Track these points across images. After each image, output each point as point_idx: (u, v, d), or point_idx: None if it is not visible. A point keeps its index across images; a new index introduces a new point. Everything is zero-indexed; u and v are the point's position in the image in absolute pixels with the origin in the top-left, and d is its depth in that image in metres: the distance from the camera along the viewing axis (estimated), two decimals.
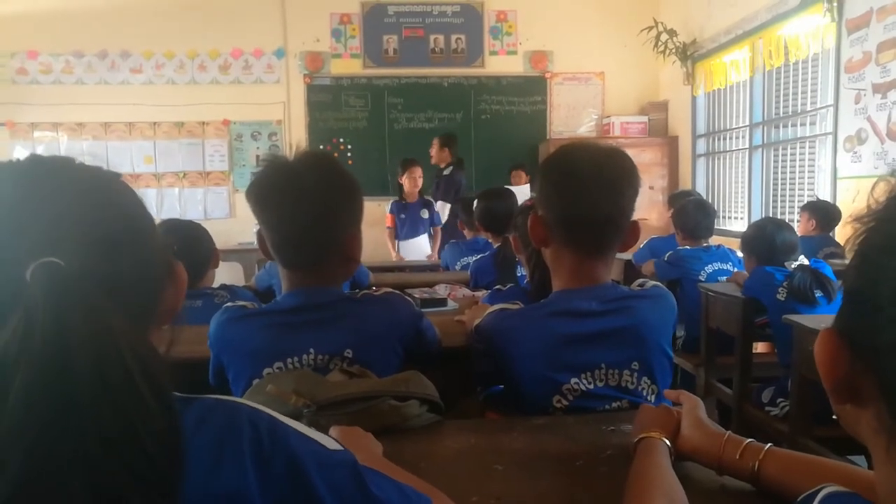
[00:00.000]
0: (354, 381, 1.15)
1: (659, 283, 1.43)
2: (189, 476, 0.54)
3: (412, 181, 5.22)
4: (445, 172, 5.52)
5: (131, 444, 0.50)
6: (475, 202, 3.44)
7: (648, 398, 1.29)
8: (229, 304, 1.38)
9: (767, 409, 2.60)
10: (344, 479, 0.66)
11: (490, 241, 3.40)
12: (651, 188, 6.46)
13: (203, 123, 6.72)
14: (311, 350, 1.27)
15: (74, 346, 0.49)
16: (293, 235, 1.28)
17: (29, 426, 0.47)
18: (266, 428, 0.63)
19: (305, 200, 1.25)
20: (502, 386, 1.50)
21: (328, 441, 0.68)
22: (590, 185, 1.26)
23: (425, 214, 5.28)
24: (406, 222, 5.27)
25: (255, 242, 1.39)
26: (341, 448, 0.68)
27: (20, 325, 0.50)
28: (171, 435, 0.53)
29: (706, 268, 3.42)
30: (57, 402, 0.48)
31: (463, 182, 5.53)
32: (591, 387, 1.26)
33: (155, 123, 6.66)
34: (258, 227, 1.35)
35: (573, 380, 1.26)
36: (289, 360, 1.26)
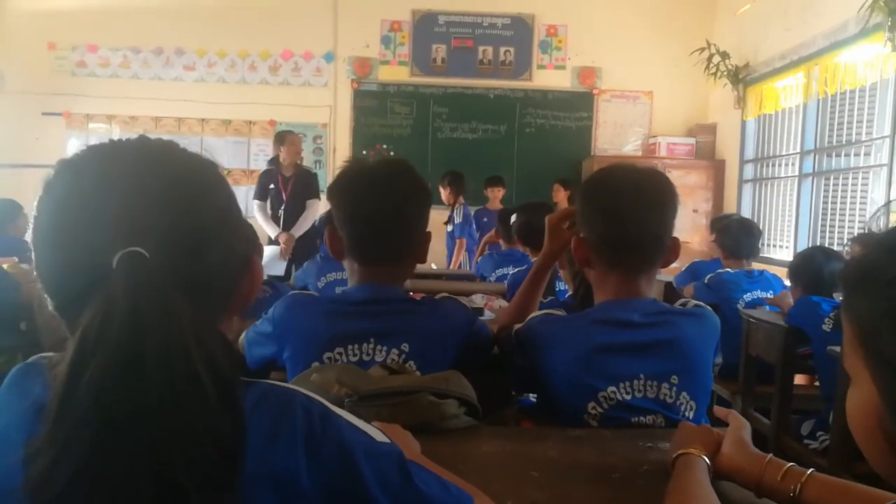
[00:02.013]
0: (395, 376, 1.16)
1: (702, 303, 1.42)
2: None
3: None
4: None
5: (193, 440, 0.51)
6: (513, 215, 3.44)
7: (686, 414, 1.27)
8: (295, 291, 1.49)
9: (806, 442, 2.52)
10: (390, 470, 0.66)
11: (528, 254, 3.39)
12: (695, 211, 6.36)
13: (250, 123, 6.83)
14: (371, 339, 1.31)
15: (146, 341, 0.51)
16: (374, 231, 1.35)
17: (97, 412, 0.49)
18: (318, 414, 0.64)
19: (389, 199, 1.34)
20: (535, 397, 1.50)
21: (376, 433, 0.69)
22: (631, 205, 1.28)
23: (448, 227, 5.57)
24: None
25: (323, 240, 1.47)
26: (388, 441, 0.69)
27: (99, 313, 0.52)
28: (233, 432, 0.54)
29: (745, 295, 3.33)
30: (125, 393, 0.50)
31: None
32: (629, 397, 1.25)
33: (203, 120, 6.80)
34: (326, 224, 1.41)
35: (610, 388, 1.25)
36: (350, 346, 1.31)
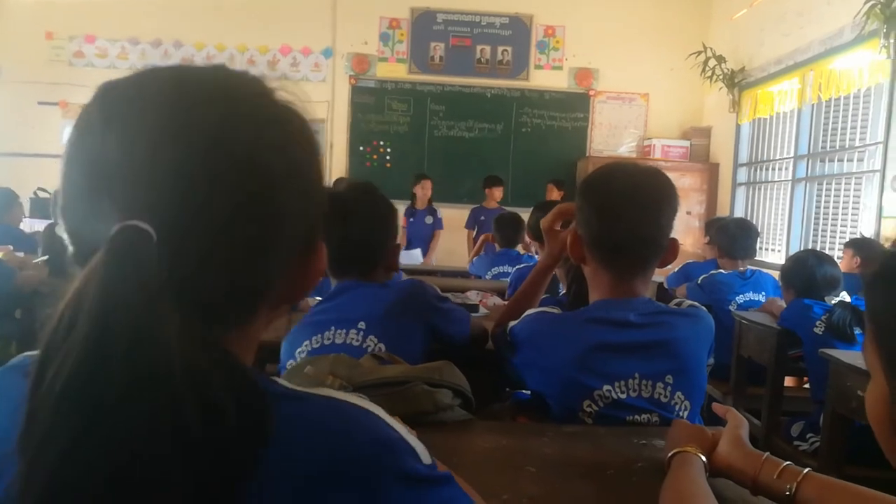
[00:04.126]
0: (388, 366, 1.17)
1: (696, 304, 1.43)
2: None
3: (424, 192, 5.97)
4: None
5: (165, 482, 0.41)
6: (531, 213, 3.48)
7: (680, 414, 1.28)
8: None
9: (796, 443, 2.55)
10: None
11: (533, 253, 3.46)
12: (688, 213, 6.39)
13: None
14: (332, 326, 1.47)
15: (117, 342, 0.41)
16: (343, 253, 1.50)
17: (57, 426, 0.41)
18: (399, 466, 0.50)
19: (355, 224, 1.50)
20: (529, 392, 1.52)
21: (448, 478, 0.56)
22: (628, 207, 1.28)
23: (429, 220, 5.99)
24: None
25: None
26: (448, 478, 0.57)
27: (70, 305, 0.42)
28: (223, 478, 0.43)
29: (738, 297, 3.36)
30: (86, 407, 0.40)
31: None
32: (624, 396, 1.26)
33: None
34: None
35: (605, 387, 1.26)
36: (313, 336, 1.48)
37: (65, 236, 0.50)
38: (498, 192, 5.98)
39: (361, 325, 1.47)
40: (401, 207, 5.88)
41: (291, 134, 0.53)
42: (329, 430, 0.49)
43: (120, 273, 0.42)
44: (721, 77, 6.12)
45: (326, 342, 1.46)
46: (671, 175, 1.43)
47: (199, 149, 0.47)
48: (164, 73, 0.52)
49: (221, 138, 0.48)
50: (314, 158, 0.56)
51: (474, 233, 5.82)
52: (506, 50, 6.90)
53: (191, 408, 0.42)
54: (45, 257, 2.88)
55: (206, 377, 0.43)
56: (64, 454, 0.40)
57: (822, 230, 5.01)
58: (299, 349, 1.47)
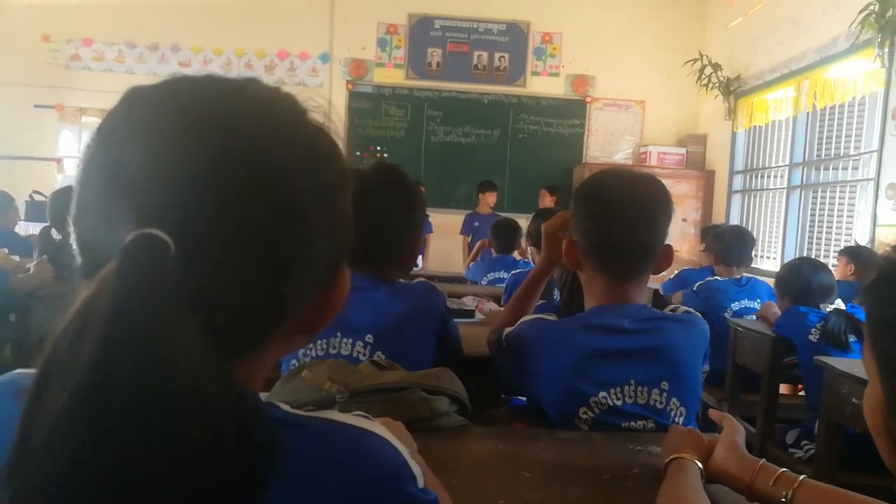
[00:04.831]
0: (386, 372, 1.17)
1: (691, 310, 1.43)
2: None
3: None
4: None
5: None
6: (531, 220, 3.50)
7: (676, 420, 1.29)
8: None
9: (791, 450, 2.55)
10: None
11: (529, 259, 3.47)
12: (684, 220, 6.41)
13: None
14: (339, 334, 1.42)
15: (126, 361, 0.39)
16: (355, 245, 1.43)
17: (54, 450, 0.38)
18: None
19: (371, 213, 1.38)
20: (524, 399, 1.51)
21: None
22: (623, 214, 1.28)
23: None
24: None
25: None
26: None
27: (82, 311, 0.40)
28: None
29: (733, 305, 3.37)
30: (88, 430, 0.38)
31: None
32: (620, 403, 1.26)
33: None
34: None
35: (601, 393, 1.26)
36: (318, 341, 1.42)
37: (74, 246, 0.48)
38: (492, 198, 5.94)
39: (369, 338, 1.40)
40: None
41: (322, 157, 0.51)
42: (334, 460, 0.47)
43: (133, 285, 0.39)
44: (717, 85, 6.15)
45: (332, 351, 1.40)
46: (667, 182, 1.43)
47: (223, 162, 0.45)
48: (194, 83, 0.50)
49: (246, 153, 0.46)
50: (344, 184, 0.53)
51: (470, 238, 5.83)
52: (503, 56, 6.92)
53: (199, 436, 0.39)
54: (44, 257, 2.86)
55: (216, 404, 0.40)
56: (61, 482, 0.37)
57: (817, 238, 5.03)
58: (303, 350, 1.44)
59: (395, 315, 1.44)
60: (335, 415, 0.51)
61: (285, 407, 0.49)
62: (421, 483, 0.51)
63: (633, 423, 1.27)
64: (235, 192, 0.45)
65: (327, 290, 0.54)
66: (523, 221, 3.72)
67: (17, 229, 4.27)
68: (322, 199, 0.50)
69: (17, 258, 3.36)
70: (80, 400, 0.38)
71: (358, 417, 0.51)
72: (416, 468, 0.51)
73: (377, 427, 0.51)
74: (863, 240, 4.23)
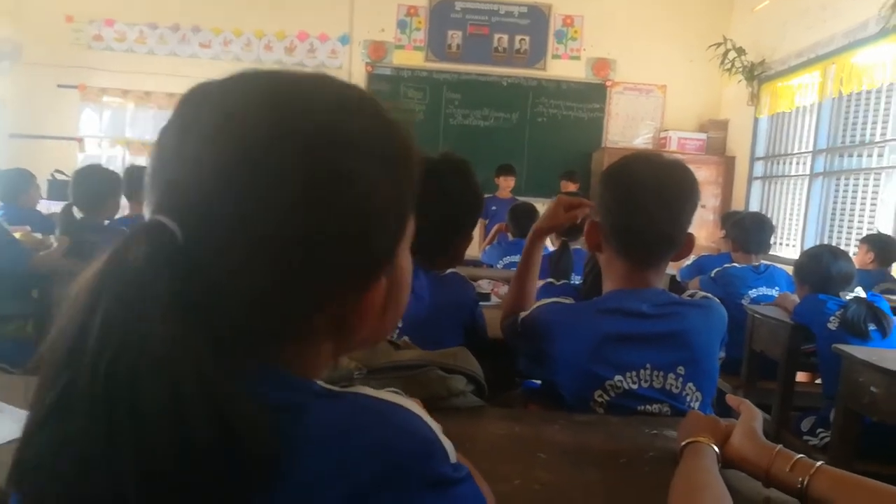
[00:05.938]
0: (404, 350, 1.18)
1: (709, 295, 1.42)
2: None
3: None
4: None
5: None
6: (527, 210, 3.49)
7: (692, 405, 1.29)
8: None
9: (806, 438, 2.54)
10: None
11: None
12: (703, 206, 6.36)
13: None
14: None
15: (132, 364, 0.39)
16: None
17: (62, 455, 0.39)
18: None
19: (426, 204, 1.40)
20: (539, 382, 1.52)
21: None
22: (648, 200, 1.27)
23: None
24: None
25: None
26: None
27: (85, 302, 0.41)
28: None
29: (751, 292, 3.35)
30: (93, 434, 0.39)
31: None
32: (636, 386, 1.26)
33: None
34: None
35: (617, 377, 1.26)
36: None
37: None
38: (510, 181, 5.85)
39: (400, 323, 1.38)
40: None
41: (394, 157, 0.51)
42: (363, 430, 0.47)
43: (137, 278, 0.40)
44: (740, 69, 6.06)
45: None
46: None
47: (262, 160, 0.45)
48: (258, 80, 0.49)
49: (315, 150, 0.46)
50: (407, 191, 0.52)
51: (487, 222, 5.81)
52: (523, 39, 6.87)
53: (203, 438, 0.40)
54: (65, 235, 2.90)
55: (221, 408, 0.41)
56: (71, 484, 0.38)
57: (839, 225, 4.96)
58: None
59: (428, 305, 1.43)
60: (368, 389, 0.51)
61: (320, 382, 0.50)
62: (453, 458, 0.51)
63: (648, 407, 1.27)
64: (267, 194, 0.45)
65: (361, 301, 0.52)
66: (541, 206, 3.70)
67: (38, 207, 4.33)
68: (389, 200, 0.50)
69: (38, 236, 3.41)
70: (81, 399, 0.39)
71: (391, 393, 0.52)
72: (448, 444, 0.51)
73: (409, 403, 0.51)
74: (886, 228, 4.17)
